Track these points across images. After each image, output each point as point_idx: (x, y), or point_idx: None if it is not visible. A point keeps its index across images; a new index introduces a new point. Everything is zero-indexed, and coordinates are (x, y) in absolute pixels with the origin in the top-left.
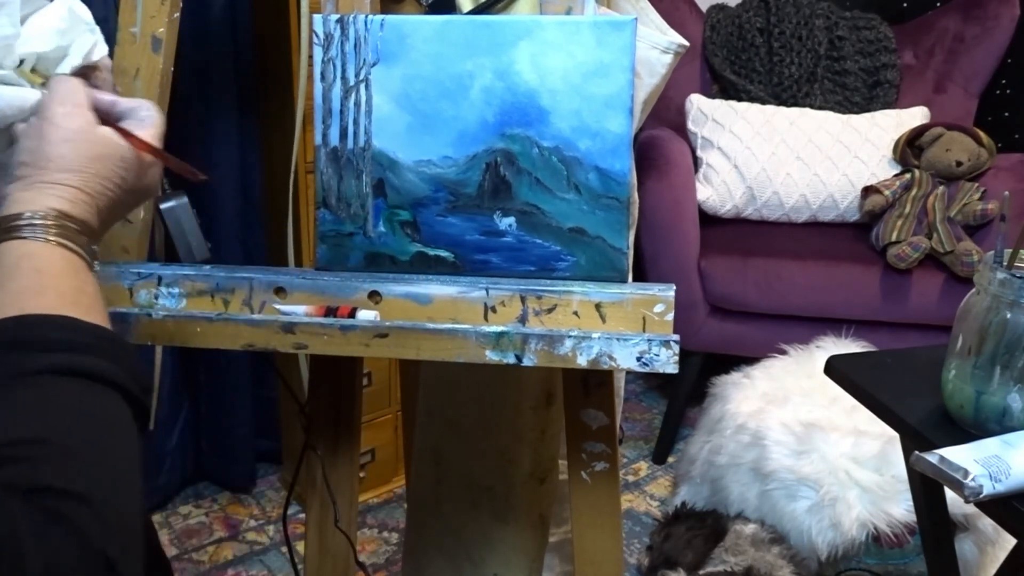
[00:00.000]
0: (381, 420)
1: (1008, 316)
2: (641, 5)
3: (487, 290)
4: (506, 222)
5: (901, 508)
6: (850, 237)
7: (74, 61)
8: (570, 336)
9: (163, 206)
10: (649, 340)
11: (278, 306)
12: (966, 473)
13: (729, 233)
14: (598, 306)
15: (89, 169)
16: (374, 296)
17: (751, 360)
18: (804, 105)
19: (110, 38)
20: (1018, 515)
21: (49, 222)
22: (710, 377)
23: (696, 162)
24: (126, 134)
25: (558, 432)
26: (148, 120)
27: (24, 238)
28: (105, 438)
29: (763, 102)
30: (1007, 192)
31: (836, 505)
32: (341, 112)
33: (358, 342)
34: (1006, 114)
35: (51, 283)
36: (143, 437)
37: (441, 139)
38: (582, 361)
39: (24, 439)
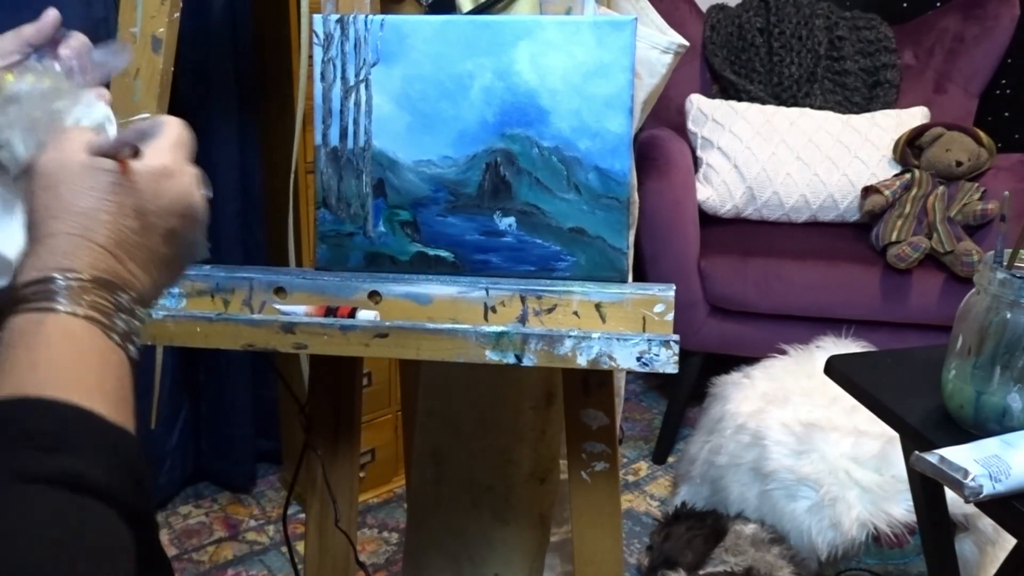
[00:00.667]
0: (381, 420)
1: (1008, 316)
2: (641, 5)
3: (487, 290)
4: (506, 222)
5: (901, 508)
6: (850, 237)
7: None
8: (570, 336)
9: None
10: (649, 340)
11: (278, 306)
12: (966, 473)
13: (729, 233)
14: (598, 306)
15: (75, 209)
16: (374, 296)
17: (751, 360)
18: (804, 105)
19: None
20: (1018, 515)
21: (38, 287)
22: (710, 377)
23: (696, 162)
24: (115, 156)
25: (558, 432)
26: (152, 133)
27: (19, 311)
28: (68, 554)
29: (763, 102)
30: (1007, 192)
31: (836, 505)
32: (341, 112)
33: (358, 342)
34: (1006, 114)
35: (41, 357)
36: (148, 548)
37: (441, 139)
38: (582, 361)
39: None
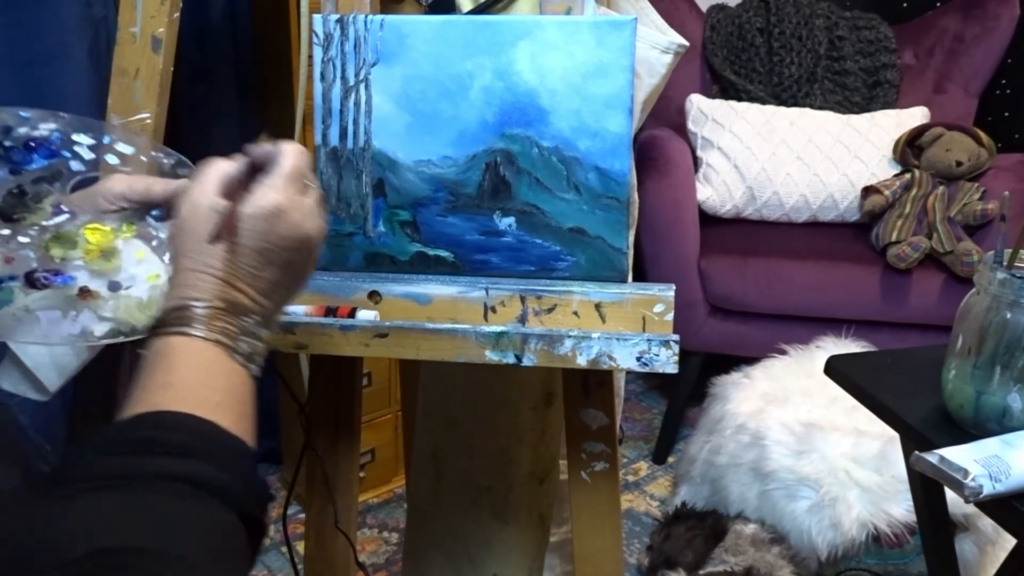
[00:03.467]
0: (381, 420)
1: (1008, 316)
2: (641, 5)
3: (487, 290)
4: (506, 222)
5: (901, 508)
6: (850, 237)
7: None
8: (570, 336)
9: None
10: (649, 340)
11: None
12: (966, 473)
13: (729, 233)
14: (598, 306)
15: (199, 248)
16: (374, 296)
17: (751, 360)
18: (804, 105)
19: (110, 38)
20: (1018, 515)
21: (173, 314)
22: (710, 377)
23: (696, 162)
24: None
25: (558, 432)
26: (268, 168)
27: (159, 335)
28: (205, 548)
29: (763, 102)
30: (1007, 192)
31: (836, 505)
32: (341, 112)
33: (358, 342)
34: (1006, 114)
35: (175, 378)
36: (255, 555)
37: (441, 139)
38: (582, 361)
39: (110, 548)
